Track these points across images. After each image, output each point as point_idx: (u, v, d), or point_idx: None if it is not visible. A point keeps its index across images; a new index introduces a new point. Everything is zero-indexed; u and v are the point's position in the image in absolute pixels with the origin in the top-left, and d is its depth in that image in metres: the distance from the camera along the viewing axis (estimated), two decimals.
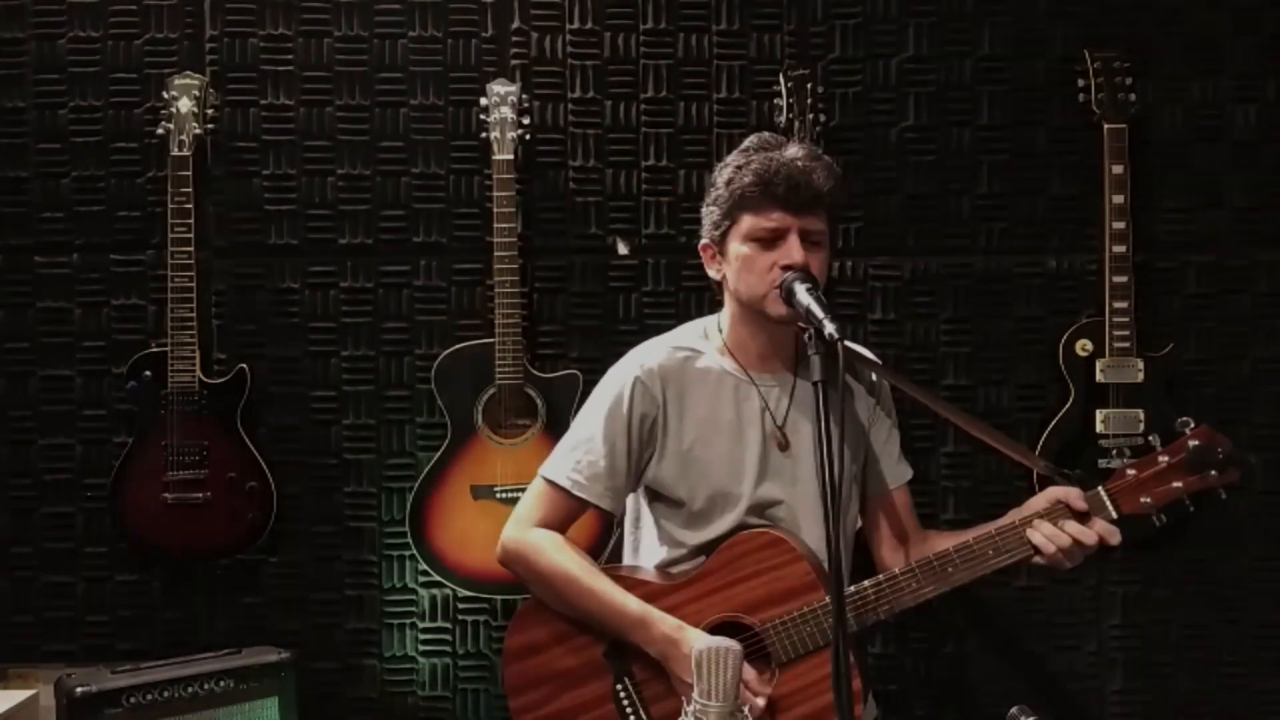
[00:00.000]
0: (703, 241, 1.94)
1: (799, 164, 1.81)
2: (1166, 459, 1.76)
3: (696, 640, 1.73)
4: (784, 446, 1.90)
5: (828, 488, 1.54)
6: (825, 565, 1.86)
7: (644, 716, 1.82)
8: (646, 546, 2.00)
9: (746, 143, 1.90)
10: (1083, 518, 1.76)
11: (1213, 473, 1.74)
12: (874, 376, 1.99)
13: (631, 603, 1.82)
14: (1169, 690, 2.69)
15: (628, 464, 1.91)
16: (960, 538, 1.81)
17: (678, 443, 1.92)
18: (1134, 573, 2.69)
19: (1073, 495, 1.76)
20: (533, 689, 1.89)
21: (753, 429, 1.91)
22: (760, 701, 1.73)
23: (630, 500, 2.03)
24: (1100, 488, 1.77)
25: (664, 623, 1.79)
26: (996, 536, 1.77)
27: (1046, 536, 1.74)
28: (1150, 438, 1.82)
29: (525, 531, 1.92)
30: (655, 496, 1.97)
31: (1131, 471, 1.77)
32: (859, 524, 2.05)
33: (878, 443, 1.99)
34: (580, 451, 1.93)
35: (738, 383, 1.92)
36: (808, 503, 1.89)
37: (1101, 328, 2.56)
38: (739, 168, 1.84)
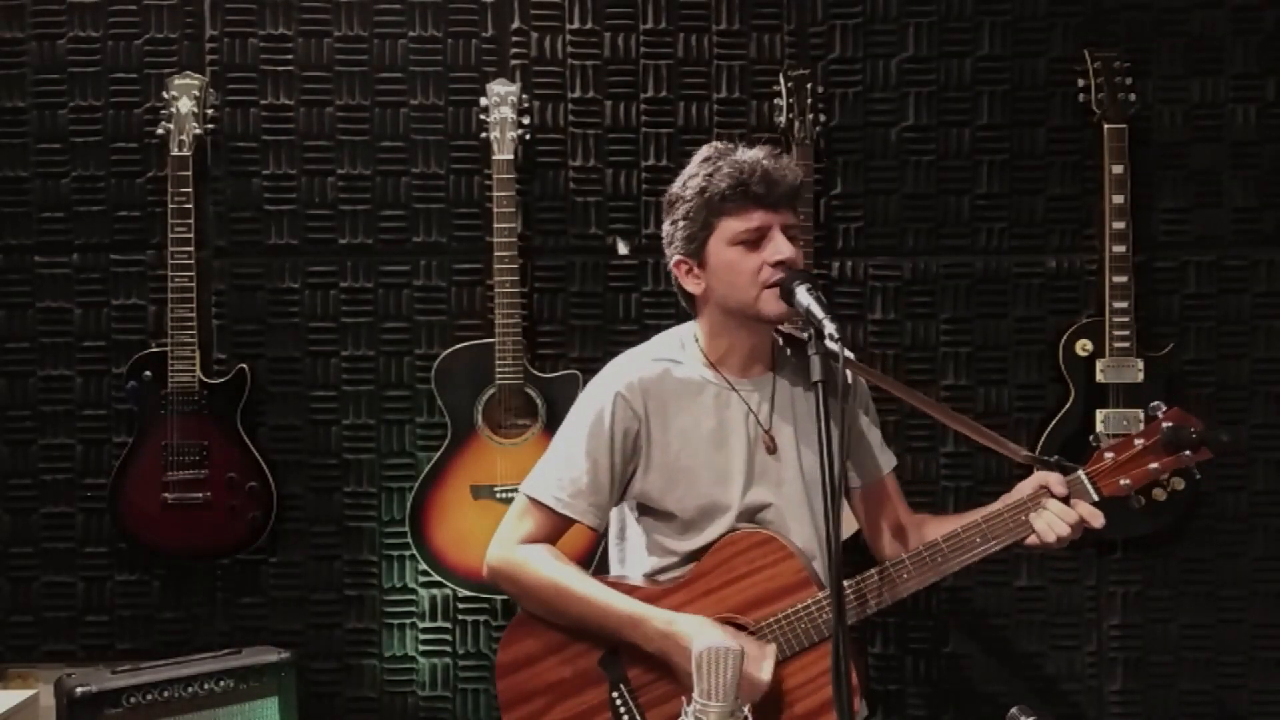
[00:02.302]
0: (675, 259, 1.90)
1: (766, 162, 1.81)
2: (1142, 441, 1.80)
3: (689, 628, 1.74)
4: (772, 449, 1.90)
5: (827, 487, 1.55)
6: (814, 564, 1.87)
7: None
8: (634, 557, 1.97)
9: (703, 153, 1.87)
10: (1065, 500, 1.80)
11: (1187, 452, 1.78)
12: (849, 375, 1.97)
13: (623, 603, 1.81)
14: (1169, 690, 2.69)
15: (611, 479, 1.89)
16: (948, 525, 1.82)
17: (662, 455, 1.90)
18: (1134, 573, 2.69)
19: (1053, 479, 1.79)
20: (527, 702, 1.87)
21: (737, 436, 1.89)
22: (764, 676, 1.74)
23: (614, 514, 2.01)
24: (1080, 471, 1.81)
25: (657, 618, 1.78)
26: (984, 524, 1.80)
27: (1042, 519, 1.78)
28: (1125, 423, 1.87)
29: (511, 549, 1.90)
30: (644, 510, 1.94)
31: (1110, 454, 1.81)
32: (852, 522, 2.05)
33: (862, 434, 1.99)
34: (563, 468, 1.90)
35: (718, 390, 1.91)
36: (794, 504, 1.89)
37: (1101, 328, 2.56)
38: (709, 175, 1.81)
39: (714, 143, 1.89)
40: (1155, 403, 1.83)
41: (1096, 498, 1.79)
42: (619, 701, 1.82)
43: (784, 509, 1.88)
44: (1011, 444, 1.94)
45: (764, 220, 1.80)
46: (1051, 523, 1.76)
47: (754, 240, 1.81)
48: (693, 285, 1.90)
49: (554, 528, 1.91)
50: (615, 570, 2.03)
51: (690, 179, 1.85)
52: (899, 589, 1.79)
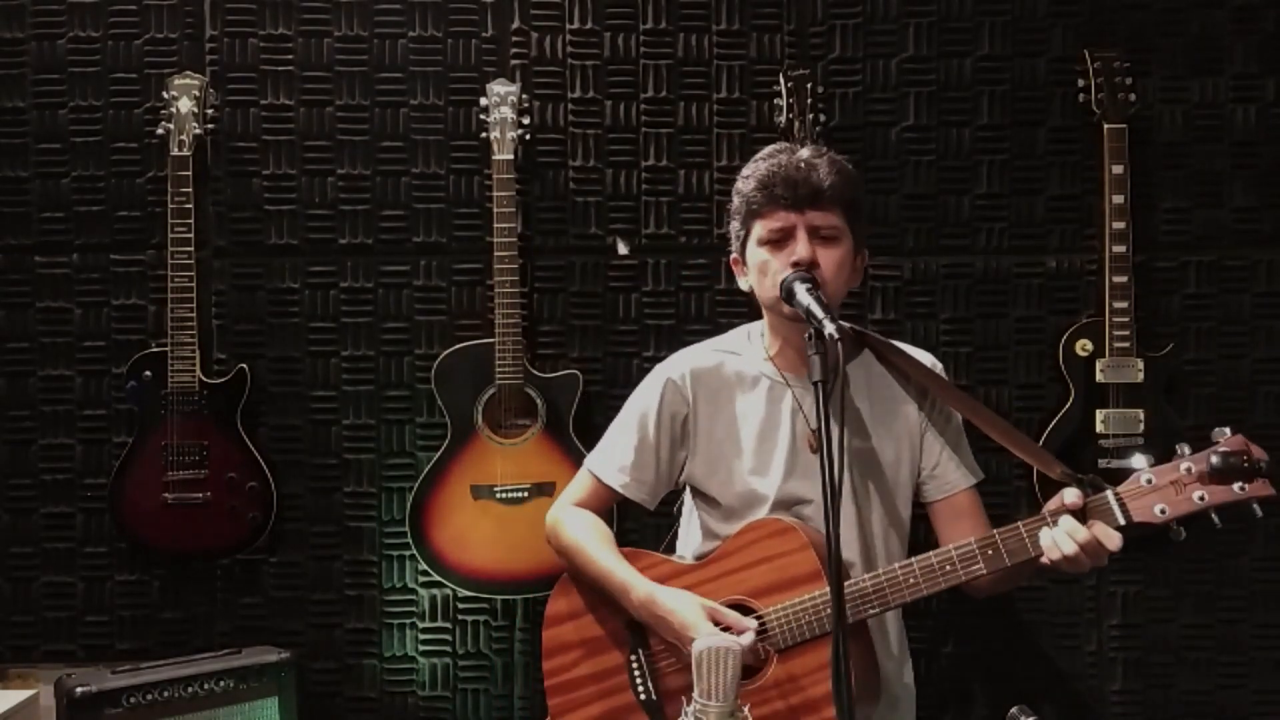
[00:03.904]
0: (731, 255, 1.98)
1: (800, 163, 1.83)
2: (1189, 466, 1.62)
3: (668, 601, 1.80)
4: (815, 448, 1.91)
5: (827, 487, 1.54)
6: (850, 564, 1.89)
7: (652, 688, 1.86)
8: (691, 539, 2.07)
9: (758, 154, 1.92)
10: (1083, 519, 1.68)
11: (1240, 485, 1.58)
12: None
13: (620, 572, 1.88)
14: (1169, 690, 2.69)
15: (656, 458, 1.99)
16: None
17: (708, 441, 1.97)
18: (1134, 573, 2.69)
19: (1070, 493, 1.70)
20: (561, 654, 1.96)
21: (783, 429, 1.93)
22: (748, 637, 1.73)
23: (686, 494, 2.10)
24: (1109, 491, 1.67)
25: (640, 589, 1.85)
26: (998, 537, 1.73)
27: (1053, 538, 1.68)
28: (1179, 448, 1.66)
29: (560, 510, 2.04)
30: (696, 493, 2.04)
31: (1148, 477, 1.64)
32: (890, 523, 2.01)
33: (935, 446, 1.97)
34: (614, 443, 2.04)
35: (772, 384, 1.95)
36: (839, 501, 1.88)
37: (1101, 328, 2.56)
38: (746, 178, 1.88)
39: (776, 145, 1.93)
40: (1220, 429, 1.63)
41: (1123, 521, 1.65)
42: (635, 665, 1.89)
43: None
44: (1050, 458, 1.88)
45: (786, 221, 1.83)
46: (1058, 539, 1.66)
47: (778, 240, 1.84)
48: (742, 282, 1.97)
49: (603, 497, 2.04)
50: (680, 549, 2.13)
51: (738, 179, 1.92)
52: (904, 594, 1.76)
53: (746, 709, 1.50)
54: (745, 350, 2.01)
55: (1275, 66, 2.68)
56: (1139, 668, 2.69)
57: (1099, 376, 2.55)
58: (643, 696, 1.87)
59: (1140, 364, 2.54)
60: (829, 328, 1.65)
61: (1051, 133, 2.69)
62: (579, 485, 2.07)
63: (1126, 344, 2.54)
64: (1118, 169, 2.55)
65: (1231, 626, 2.69)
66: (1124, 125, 2.55)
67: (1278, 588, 2.69)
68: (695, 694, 1.45)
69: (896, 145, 2.69)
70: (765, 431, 1.94)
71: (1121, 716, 2.69)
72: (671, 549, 2.16)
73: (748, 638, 1.72)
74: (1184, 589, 2.69)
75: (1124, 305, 2.54)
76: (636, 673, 1.88)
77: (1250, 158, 2.68)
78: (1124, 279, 2.54)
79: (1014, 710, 1.57)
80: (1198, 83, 2.68)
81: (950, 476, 1.98)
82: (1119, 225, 2.54)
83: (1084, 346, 2.57)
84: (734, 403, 1.97)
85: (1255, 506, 1.61)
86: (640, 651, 1.89)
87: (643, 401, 2.02)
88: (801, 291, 1.74)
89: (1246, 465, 1.59)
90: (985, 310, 2.70)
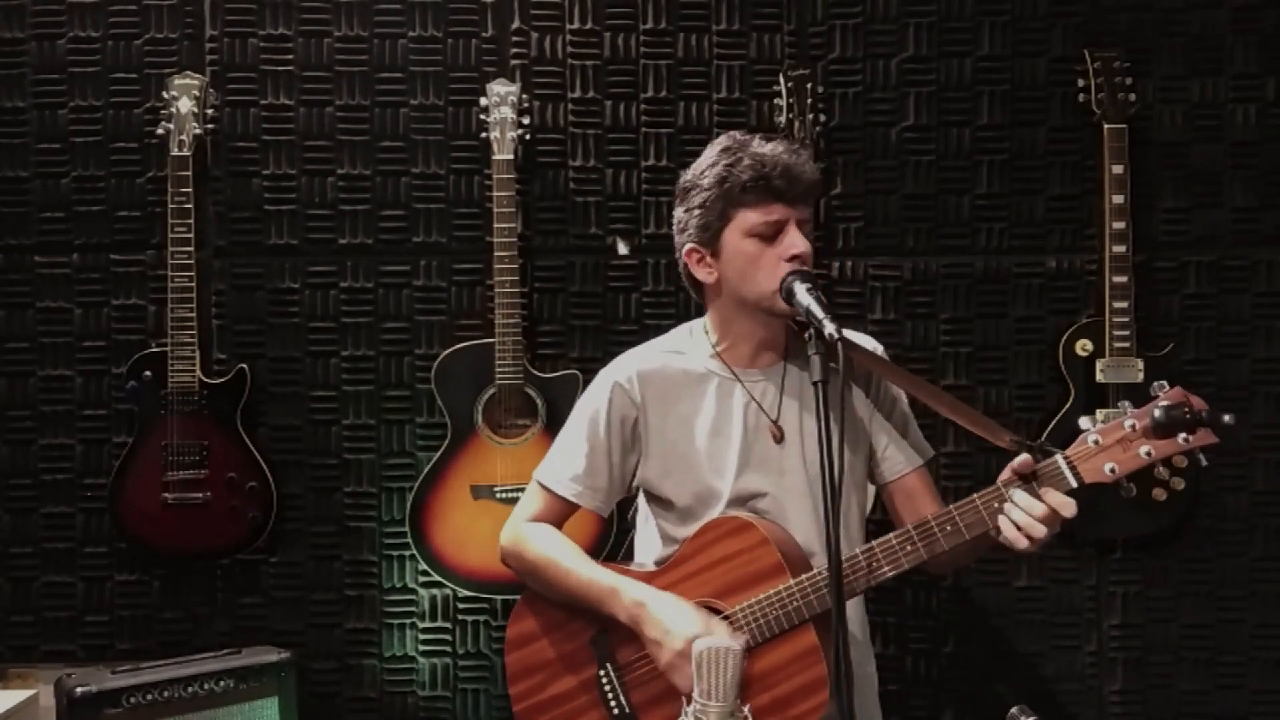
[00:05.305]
0: (688, 246, 1.91)
1: (787, 156, 1.82)
2: (1133, 423, 1.63)
3: (660, 604, 1.78)
4: (779, 438, 1.91)
5: (827, 488, 1.54)
6: (810, 553, 1.87)
7: (624, 702, 1.84)
8: (649, 545, 2.03)
9: (723, 143, 1.87)
10: (1034, 486, 1.66)
11: (1183, 436, 1.60)
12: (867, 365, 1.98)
13: (604, 576, 1.86)
14: (1169, 690, 2.69)
15: (608, 465, 1.95)
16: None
17: (660, 443, 1.94)
18: (1134, 573, 2.69)
19: (1020, 460, 1.67)
20: (527, 677, 1.93)
21: (735, 424, 1.91)
22: None
23: (641, 501, 2.07)
24: (1059, 455, 1.66)
25: (631, 590, 1.82)
26: (955, 513, 1.72)
27: (1009, 519, 1.66)
28: (1120, 404, 1.69)
29: (517, 527, 1.98)
30: (650, 497, 2.00)
31: (1095, 438, 1.65)
32: (848, 509, 2.01)
33: (883, 430, 1.97)
34: (564, 453, 1.98)
35: (721, 380, 1.93)
36: (795, 493, 1.89)
37: (1101, 328, 2.56)
38: (730, 166, 1.82)
39: (732, 133, 1.90)
40: (1159, 382, 1.65)
41: (1075, 484, 1.65)
42: (605, 680, 1.87)
43: (783, 498, 1.89)
44: (998, 427, 1.85)
45: (783, 214, 1.82)
46: (1026, 527, 1.64)
47: (770, 234, 1.82)
48: (704, 274, 1.91)
49: (557, 510, 1.98)
50: (638, 556, 2.09)
51: (710, 168, 1.85)
52: (868, 578, 1.74)
53: (747, 709, 1.50)
54: (689, 348, 1.97)
55: (1275, 66, 2.68)
56: (1139, 668, 2.69)
57: (1099, 376, 2.55)
58: (615, 711, 1.85)
59: (1140, 364, 2.54)
60: (829, 327, 1.65)
61: (1051, 133, 2.69)
62: (531, 500, 2.00)
63: (1126, 344, 2.54)
64: (1118, 169, 2.55)
65: (1231, 626, 2.69)
66: (1124, 125, 2.56)
67: (1278, 588, 2.69)
68: (695, 694, 1.45)
69: (896, 145, 2.69)
70: (717, 428, 1.92)
71: (1121, 716, 2.69)
72: (630, 558, 2.13)
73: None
74: (1184, 589, 2.69)
75: (1124, 305, 2.54)
76: (607, 687, 1.86)
77: (1250, 158, 2.68)
78: (1124, 279, 2.54)
79: (1014, 710, 1.57)
80: (1197, 83, 2.68)
81: (898, 459, 1.97)
82: (1119, 225, 2.54)
83: (1084, 346, 2.57)
84: (683, 402, 1.94)
85: (1200, 456, 1.64)
86: (609, 666, 1.87)
87: (591, 408, 1.96)
88: (802, 291, 1.75)
89: (1189, 416, 1.60)
90: (985, 310, 2.70)
